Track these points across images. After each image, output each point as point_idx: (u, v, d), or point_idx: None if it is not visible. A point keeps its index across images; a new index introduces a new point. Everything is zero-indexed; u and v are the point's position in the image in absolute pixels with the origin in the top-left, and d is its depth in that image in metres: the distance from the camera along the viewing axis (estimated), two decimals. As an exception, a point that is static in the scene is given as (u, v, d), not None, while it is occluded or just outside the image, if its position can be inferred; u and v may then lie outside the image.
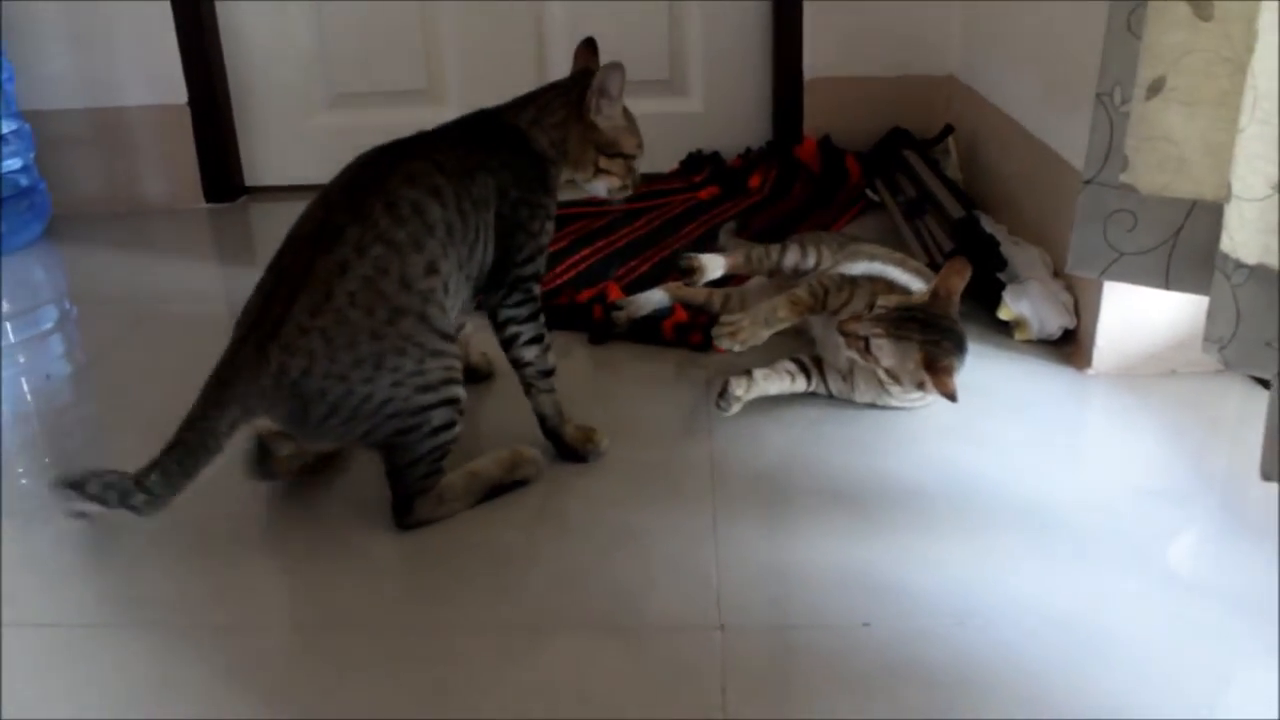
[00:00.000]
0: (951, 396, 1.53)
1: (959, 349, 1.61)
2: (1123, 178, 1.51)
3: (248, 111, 2.93)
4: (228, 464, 1.67)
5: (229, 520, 1.55)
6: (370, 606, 1.35)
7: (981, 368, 1.79)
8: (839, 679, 1.17)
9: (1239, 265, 1.30)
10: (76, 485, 1.36)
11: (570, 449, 1.63)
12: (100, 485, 1.36)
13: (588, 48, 1.73)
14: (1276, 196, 1.24)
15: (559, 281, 2.16)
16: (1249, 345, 1.30)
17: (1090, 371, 1.79)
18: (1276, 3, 1.19)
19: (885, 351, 1.60)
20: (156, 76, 2.82)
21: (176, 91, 2.83)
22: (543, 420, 1.64)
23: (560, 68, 2.89)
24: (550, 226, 1.65)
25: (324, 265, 1.43)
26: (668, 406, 1.79)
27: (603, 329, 1.98)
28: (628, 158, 1.68)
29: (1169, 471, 1.57)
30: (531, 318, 1.62)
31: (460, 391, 1.49)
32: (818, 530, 1.44)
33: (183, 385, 1.91)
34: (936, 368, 1.55)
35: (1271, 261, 1.25)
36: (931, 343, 1.57)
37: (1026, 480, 1.54)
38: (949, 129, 2.67)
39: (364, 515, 1.54)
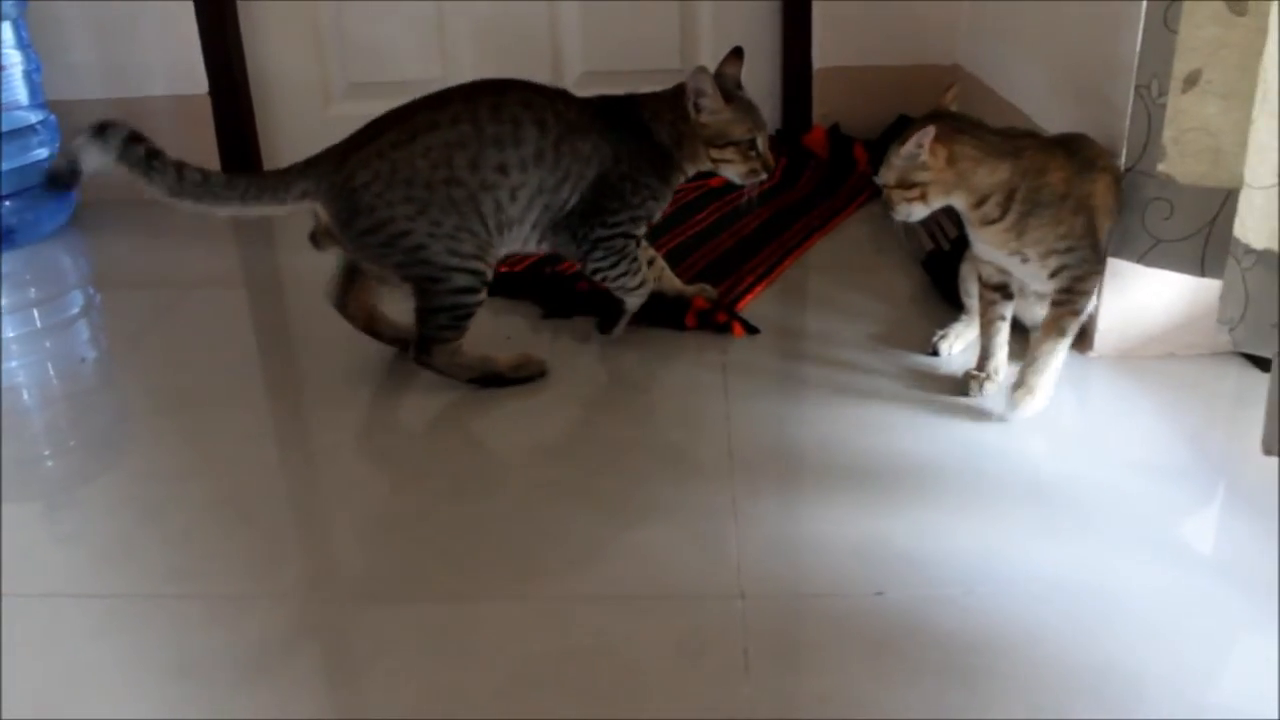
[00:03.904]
0: (926, 127, 1.56)
1: (938, 119, 1.60)
2: (1160, 167, 1.57)
3: (267, 101, 2.99)
4: (258, 439, 1.75)
5: (265, 492, 1.61)
6: (405, 577, 1.41)
7: (988, 350, 1.85)
8: (854, 644, 1.23)
9: (1248, 250, 1.35)
10: (137, 137, 1.68)
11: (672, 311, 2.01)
12: (155, 153, 1.70)
13: (733, 56, 1.92)
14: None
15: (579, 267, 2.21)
16: (1256, 327, 1.35)
17: (1092, 354, 1.84)
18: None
19: (885, 174, 1.62)
20: (178, 67, 2.87)
21: (197, 82, 2.89)
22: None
23: (572, 59, 2.97)
24: (654, 205, 1.88)
25: (420, 118, 1.74)
26: (688, 388, 1.84)
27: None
28: (739, 144, 1.83)
29: (1168, 449, 1.62)
30: (615, 265, 1.87)
31: (485, 269, 1.77)
32: (833, 504, 1.50)
33: (207, 368, 1.99)
34: (907, 136, 1.57)
35: (1276, 246, 1.30)
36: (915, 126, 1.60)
37: (1033, 457, 1.60)
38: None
39: (396, 491, 1.60)
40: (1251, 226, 1.34)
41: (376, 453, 1.73)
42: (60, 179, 1.67)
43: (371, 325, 1.92)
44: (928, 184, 1.60)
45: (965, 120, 1.63)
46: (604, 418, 1.78)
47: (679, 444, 1.67)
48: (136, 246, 2.68)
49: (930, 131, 1.56)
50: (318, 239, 1.82)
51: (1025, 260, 1.64)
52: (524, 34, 2.94)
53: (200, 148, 2.92)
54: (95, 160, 1.66)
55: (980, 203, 1.62)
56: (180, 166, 1.70)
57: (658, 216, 1.91)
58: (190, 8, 2.83)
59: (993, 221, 1.62)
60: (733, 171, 1.87)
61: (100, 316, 2.36)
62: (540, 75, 2.90)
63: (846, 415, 1.72)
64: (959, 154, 1.59)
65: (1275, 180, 1.30)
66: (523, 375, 1.84)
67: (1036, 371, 1.65)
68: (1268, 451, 1.25)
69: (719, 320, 1.99)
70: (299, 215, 1.79)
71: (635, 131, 1.85)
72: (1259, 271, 1.33)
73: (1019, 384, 1.66)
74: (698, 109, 1.82)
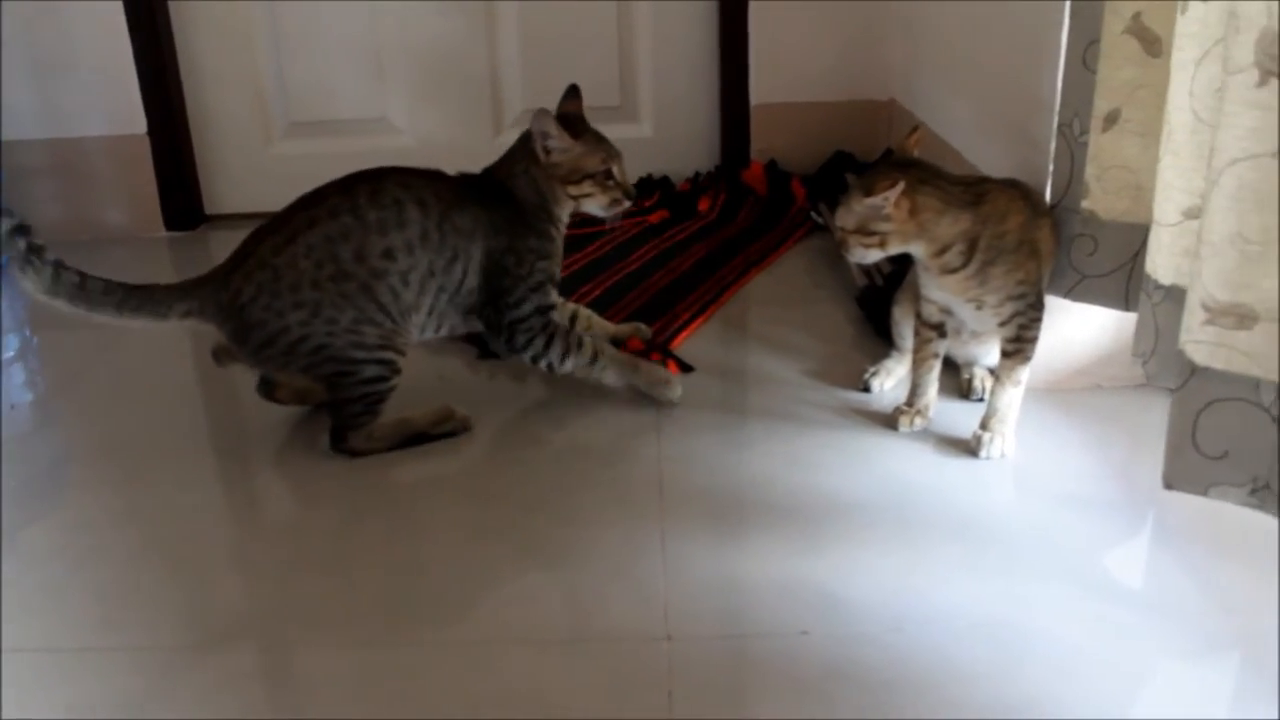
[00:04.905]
0: (894, 184, 1.55)
1: (903, 167, 1.61)
2: (1084, 204, 1.60)
3: (207, 141, 2.98)
4: (188, 486, 1.74)
5: (195, 540, 1.60)
6: (330, 624, 1.41)
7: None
8: (778, 684, 1.25)
9: (1158, 285, 1.39)
10: (23, 229, 1.62)
11: (647, 395, 1.90)
12: (38, 249, 1.63)
13: (571, 94, 1.89)
14: (1186, 223, 1.33)
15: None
16: (1166, 360, 1.38)
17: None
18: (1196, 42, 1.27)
19: (843, 217, 1.62)
20: (116, 107, 2.86)
21: (136, 122, 2.87)
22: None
23: (512, 98, 2.99)
24: (545, 265, 1.84)
25: (298, 218, 1.72)
26: (620, 428, 1.85)
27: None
28: (595, 175, 1.82)
29: (1094, 481, 1.65)
30: (546, 346, 1.84)
31: (395, 357, 1.75)
32: (762, 544, 1.51)
33: (144, 411, 1.98)
34: (874, 188, 1.57)
35: (1183, 283, 1.33)
36: (863, 176, 1.62)
37: (960, 492, 1.62)
38: (890, 153, 2.76)
39: (326, 536, 1.60)
40: (1161, 263, 1.38)
41: (309, 498, 1.73)
42: None
43: (303, 399, 1.91)
44: (888, 233, 1.61)
45: (928, 168, 1.64)
46: (537, 458, 1.79)
47: (611, 484, 1.68)
48: (74, 288, 2.65)
49: (900, 187, 1.56)
50: (219, 356, 1.82)
51: (980, 307, 1.67)
52: (464, 73, 2.96)
53: (139, 188, 2.91)
54: None
55: (942, 251, 1.63)
56: (59, 267, 1.65)
57: (558, 274, 1.88)
58: (128, 46, 2.82)
59: (954, 270, 1.64)
60: (595, 205, 1.85)
61: (37, 359, 2.34)
62: (480, 114, 2.96)
63: (777, 452, 1.73)
64: (922, 205, 1.59)
65: (1181, 218, 1.33)
66: (445, 431, 1.82)
67: (1001, 420, 1.69)
68: (1168, 486, 1.28)
69: (653, 360, 2.00)
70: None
71: (499, 199, 1.82)
72: (1167, 306, 1.37)
73: (986, 431, 1.69)
74: (547, 151, 1.80)
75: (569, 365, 1.85)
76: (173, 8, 2.86)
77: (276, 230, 1.72)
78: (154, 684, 1.31)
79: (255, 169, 3.00)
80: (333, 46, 2.93)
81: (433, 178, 1.79)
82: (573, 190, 1.83)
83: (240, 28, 2.90)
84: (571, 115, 1.85)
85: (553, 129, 1.79)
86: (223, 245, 2.84)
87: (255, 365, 1.78)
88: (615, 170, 1.84)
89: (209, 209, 3.03)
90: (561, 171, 1.82)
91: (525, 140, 1.84)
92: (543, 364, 1.85)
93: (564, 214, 1.87)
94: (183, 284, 1.73)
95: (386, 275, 1.71)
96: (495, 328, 1.82)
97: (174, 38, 2.88)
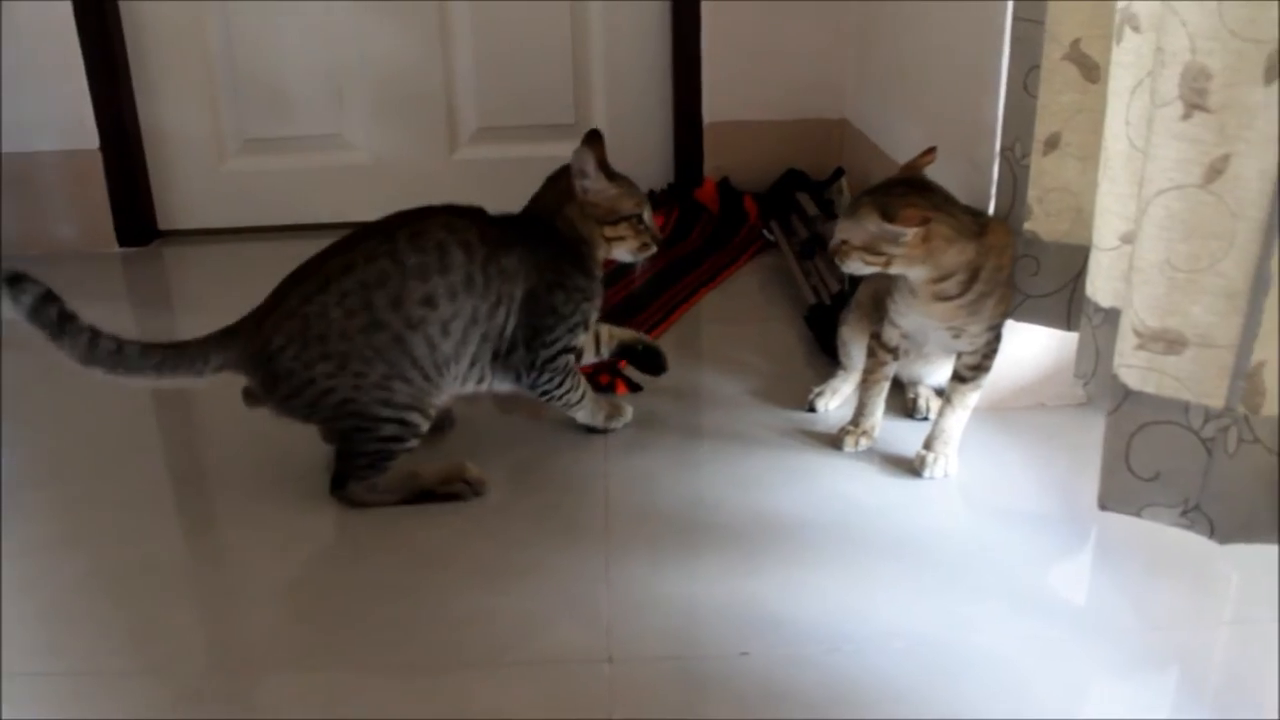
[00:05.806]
0: (924, 221, 1.55)
1: (919, 190, 1.61)
2: (1027, 226, 1.62)
3: (160, 156, 2.96)
4: (136, 510, 1.73)
5: (142, 565, 1.59)
6: (277, 648, 1.40)
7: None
8: (719, 705, 1.26)
9: (1098, 308, 1.41)
10: (51, 297, 1.57)
11: (600, 430, 1.89)
12: (69, 316, 1.57)
13: (593, 138, 1.82)
14: (1123, 248, 1.35)
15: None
16: (1106, 381, 1.40)
17: (965, 406, 1.89)
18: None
19: (850, 231, 1.60)
20: (68, 122, 2.84)
21: (88, 137, 2.86)
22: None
23: (467, 116, 3.00)
24: (589, 307, 1.80)
25: (333, 263, 1.65)
26: (567, 450, 1.86)
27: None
28: (629, 218, 1.79)
29: (1035, 500, 1.68)
30: (561, 384, 1.80)
31: (419, 420, 1.68)
32: (705, 564, 1.53)
33: (92, 435, 1.97)
34: (894, 212, 1.55)
35: (1120, 305, 1.35)
36: (878, 193, 1.61)
37: (902, 511, 1.64)
38: (840, 171, 2.79)
39: (274, 561, 1.60)
40: (1100, 286, 1.40)
41: (257, 521, 1.71)
42: None
43: None
44: (896, 256, 1.59)
45: (940, 194, 1.63)
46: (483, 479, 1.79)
47: (556, 506, 1.69)
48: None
49: (926, 228, 1.56)
50: (248, 397, 1.73)
51: (958, 335, 1.68)
52: (419, 90, 2.96)
53: (91, 204, 2.90)
54: (4, 309, 1.55)
55: (941, 279, 1.63)
56: (95, 335, 1.59)
57: (594, 318, 1.84)
58: (80, 61, 2.80)
59: (948, 298, 1.64)
60: (626, 249, 1.81)
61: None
62: (436, 131, 2.97)
63: (722, 473, 1.75)
64: (934, 233, 1.58)
65: (1118, 242, 1.35)
66: (453, 491, 1.72)
67: (945, 442, 1.72)
68: (1103, 506, 1.30)
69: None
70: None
71: (543, 237, 1.77)
72: (1107, 329, 1.39)
73: (929, 451, 1.72)
74: (584, 190, 1.77)
75: (563, 400, 1.82)
76: (126, 22, 2.85)
77: (310, 276, 1.65)
78: (98, 709, 1.30)
79: (209, 185, 2.99)
80: (288, 63, 2.93)
81: (476, 217, 1.73)
82: (609, 231, 1.79)
83: (195, 43, 2.89)
84: (597, 158, 1.81)
85: (591, 167, 1.76)
86: (175, 261, 2.88)
87: (281, 414, 1.69)
88: (646, 215, 1.82)
89: (162, 225, 3.01)
90: (599, 212, 1.79)
91: (558, 178, 1.81)
92: (545, 398, 1.80)
93: (601, 256, 1.83)
94: (215, 335, 1.66)
95: (424, 324, 1.64)
96: (526, 367, 1.76)
97: (127, 52, 2.88)
